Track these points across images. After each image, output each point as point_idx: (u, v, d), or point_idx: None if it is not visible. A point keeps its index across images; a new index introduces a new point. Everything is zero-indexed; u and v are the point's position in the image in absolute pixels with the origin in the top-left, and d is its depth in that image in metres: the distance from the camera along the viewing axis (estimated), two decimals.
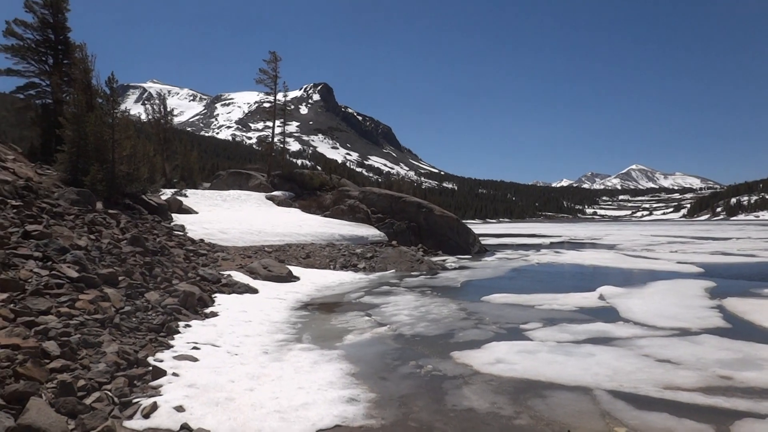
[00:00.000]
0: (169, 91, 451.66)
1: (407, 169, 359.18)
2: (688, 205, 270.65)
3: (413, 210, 27.18)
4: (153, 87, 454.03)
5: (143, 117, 46.64)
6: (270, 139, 40.67)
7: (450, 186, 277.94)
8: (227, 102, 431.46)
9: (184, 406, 5.01)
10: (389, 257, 19.65)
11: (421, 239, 26.11)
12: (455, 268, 19.53)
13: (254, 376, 6.10)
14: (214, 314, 9.33)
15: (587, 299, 12.05)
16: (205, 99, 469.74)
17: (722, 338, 8.12)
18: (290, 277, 14.51)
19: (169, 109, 38.91)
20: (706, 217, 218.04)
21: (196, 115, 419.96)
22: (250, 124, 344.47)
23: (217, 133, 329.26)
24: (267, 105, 40.96)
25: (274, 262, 15.28)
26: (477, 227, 63.38)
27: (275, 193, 32.11)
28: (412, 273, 17.73)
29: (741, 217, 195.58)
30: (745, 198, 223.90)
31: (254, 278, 13.67)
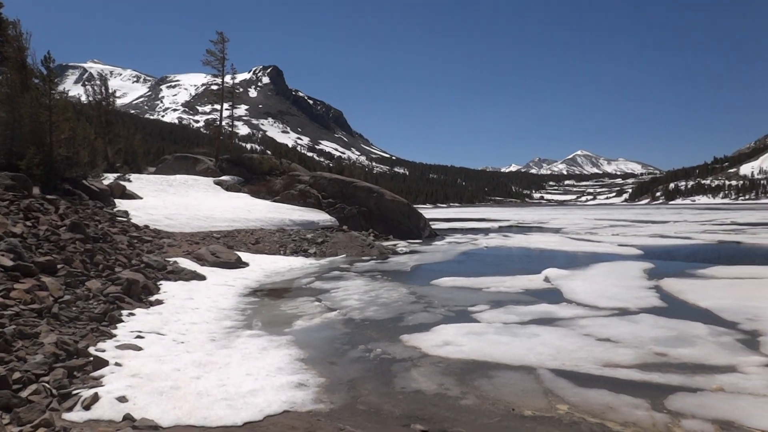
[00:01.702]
0: (111, 72, 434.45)
1: (359, 153, 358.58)
2: (630, 190, 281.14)
3: (364, 195, 27.16)
4: (94, 67, 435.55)
5: (83, 98, 44.73)
6: (218, 123, 39.74)
7: (401, 171, 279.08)
8: (173, 84, 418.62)
9: (127, 397, 4.89)
10: (340, 242, 19.61)
11: (372, 224, 26.15)
12: (406, 253, 19.68)
13: (201, 363, 6.01)
14: (159, 302, 9.11)
15: (533, 281, 12.37)
16: (149, 80, 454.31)
17: (658, 317, 8.49)
18: (239, 263, 14.30)
19: (111, 91, 37.47)
20: (647, 201, 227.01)
21: (141, 97, 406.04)
22: (198, 107, 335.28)
23: (163, 116, 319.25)
24: (215, 87, 39.89)
25: (223, 248, 15.02)
26: (428, 212, 64.05)
27: (223, 177, 31.45)
28: (363, 258, 17.77)
29: (678, 201, 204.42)
30: (683, 183, 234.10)
31: (202, 265, 13.41)
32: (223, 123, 39.77)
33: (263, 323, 8.30)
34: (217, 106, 39.43)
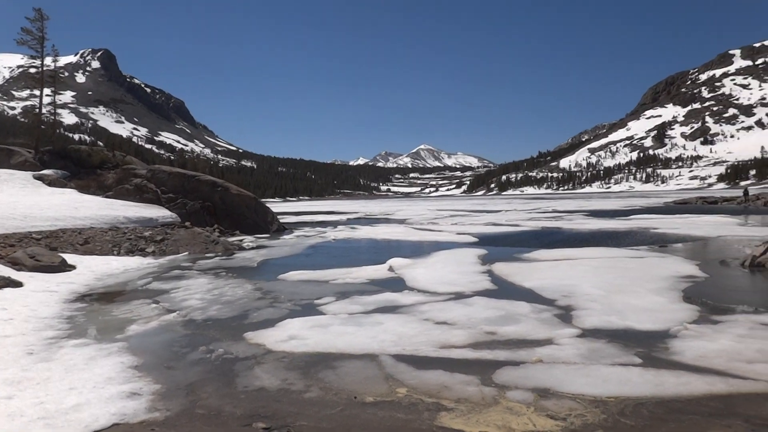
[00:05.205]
0: None
1: (203, 146, 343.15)
2: (468, 182, 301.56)
3: (208, 189, 26.03)
4: None
5: None
6: (38, 110, 35.60)
7: (249, 164, 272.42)
8: None
9: None
10: (182, 239, 18.62)
11: (218, 219, 25.18)
12: (253, 248, 19.24)
13: (14, 381, 5.35)
14: None
15: (378, 271, 12.73)
16: None
17: (489, 299, 9.17)
18: (64, 267, 12.96)
19: None
20: (482, 192, 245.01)
21: None
22: (13, 92, 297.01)
23: None
24: (33, 70, 35.64)
25: (44, 251, 13.52)
26: (277, 206, 63.31)
27: (45, 171, 28.28)
28: (207, 255, 17.04)
29: (510, 192, 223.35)
30: (513, 175, 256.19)
31: (18, 270, 11.94)
32: (45, 110, 35.75)
33: (91, 331, 7.61)
34: (37, 92, 35.28)
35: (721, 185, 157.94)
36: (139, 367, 5.95)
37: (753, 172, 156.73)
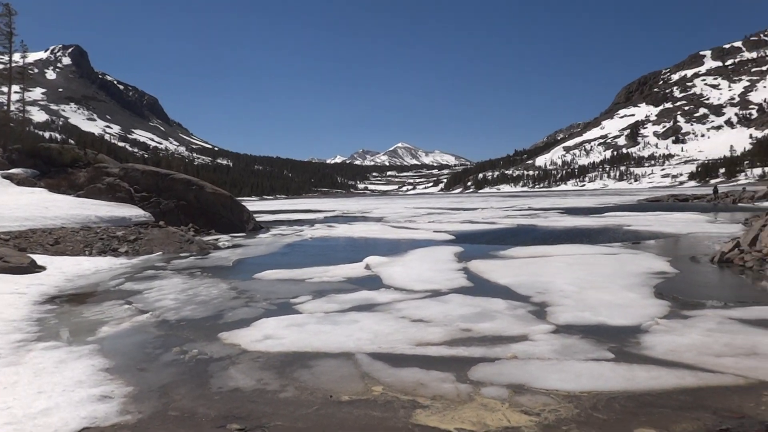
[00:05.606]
0: None
1: (177, 144, 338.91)
2: (445, 180, 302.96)
3: (182, 188, 25.70)
4: None
5: None
6: (6, 108, 34.80)
7: (225, 162, 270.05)
8: None
9: None
10: (155, 239, 18.35)
11: (193, 218, 24.88)
12: (228, 247, 19.06)
13: None
14: None
15: (355, 270, 12.71)
16: None
17: (465, 296, 9.22)
18: (33, 268, 12.66)
19: None
20: (459, 190, 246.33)
21: None
22: None
23: None
24: (1, 66, 34.86)
25: (12, 251, 13.21)
26: (253, 204, 62.83)
27: (14, 170, 27.62)
28: (182, 254, 16.82)
29: (486, 189, 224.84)
30: (490, 173, 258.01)
31: None
32: (13, 108, 34.98)
33: (61, 333, 7.45)
34: (5, 89, 34.53)
35: (692, 183, 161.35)
36: (110, 369, 5.84)
37: (722, 170, 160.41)
